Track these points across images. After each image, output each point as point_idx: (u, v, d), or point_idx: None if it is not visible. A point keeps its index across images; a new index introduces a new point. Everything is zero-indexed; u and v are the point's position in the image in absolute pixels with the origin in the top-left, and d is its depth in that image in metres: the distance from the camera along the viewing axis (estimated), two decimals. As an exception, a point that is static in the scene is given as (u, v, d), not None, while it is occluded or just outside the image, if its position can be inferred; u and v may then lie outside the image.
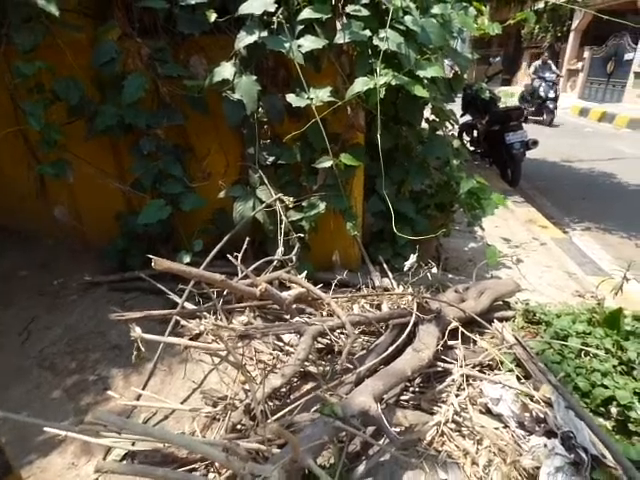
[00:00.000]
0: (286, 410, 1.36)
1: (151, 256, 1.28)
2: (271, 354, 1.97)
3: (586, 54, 13.92)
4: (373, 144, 2.56)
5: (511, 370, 1.75)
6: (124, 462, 1.21)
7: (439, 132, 2.73)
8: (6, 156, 3.01)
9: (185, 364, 1.98)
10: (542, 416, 1.57)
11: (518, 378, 1.73)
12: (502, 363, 1.81)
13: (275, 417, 1.35)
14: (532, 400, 1.58)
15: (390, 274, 2.56)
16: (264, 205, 2.18)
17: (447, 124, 2.78)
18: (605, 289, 2.45)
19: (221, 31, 2.23)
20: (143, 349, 1.41)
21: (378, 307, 2.22)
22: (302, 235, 2.18)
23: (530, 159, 6.25)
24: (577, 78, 14.62)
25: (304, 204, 2.33)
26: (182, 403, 1.71)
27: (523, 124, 5.62)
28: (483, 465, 1.47)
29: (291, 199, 2.16)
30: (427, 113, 2.77)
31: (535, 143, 5.57)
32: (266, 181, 2.23)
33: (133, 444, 1.58)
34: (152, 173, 2.35)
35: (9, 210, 3.24)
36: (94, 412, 0.96)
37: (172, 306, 2.32)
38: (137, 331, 1.34)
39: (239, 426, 1.45)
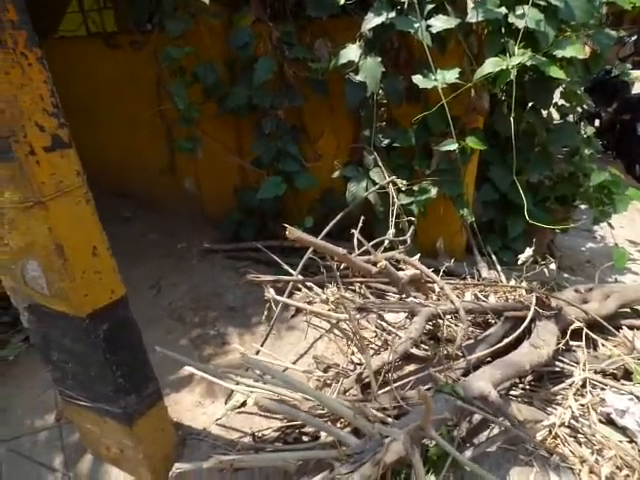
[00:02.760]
0: (397, 384, 1.41)
1: (286, 225, 1.38)
2: (375, 332, 2.02)
3: None
4: (491, 129, 2.45)
5: (646, 380, 1.59)
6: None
7: (569, 118, 2.50)
8: (144, 134, 3.42)
9: (296, 330, 2.12)
10: (679, 436, 1.42)
11: (651, 391, 1.58)
12: (631, 373, 1.65)
13: (386, 389, 1.40)
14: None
15: (499, 267, 2.45)
16: (377, 186, 2.21)
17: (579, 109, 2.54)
18: None
19: (346, 13, 2.27)
20: (275, 308, 1.54)
21: (485, 299, 2.15)
22: (413, 218, 2.18)
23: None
24: None
25: (415, 188, 2.32)
26: (294, 364, 1.84)
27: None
28: (605, 476, 1.38)
29: (404, 182, 2.17)
30: (556, 97, 2.55)
31: (674, 136, 4.82)
32: (380, 163, 2.26)
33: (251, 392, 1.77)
34: (272, 151, 2.51)
35: (145, 184, 3.68)
36: (243, 356, 1.09)
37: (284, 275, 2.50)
38: (271, 292, 1.48)
39: (348, 394, 1.53)
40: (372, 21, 2.04)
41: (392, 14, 2.03)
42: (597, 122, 5.90)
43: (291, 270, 2.17)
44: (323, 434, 1.46)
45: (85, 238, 1.11)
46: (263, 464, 1.20)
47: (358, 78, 2.13)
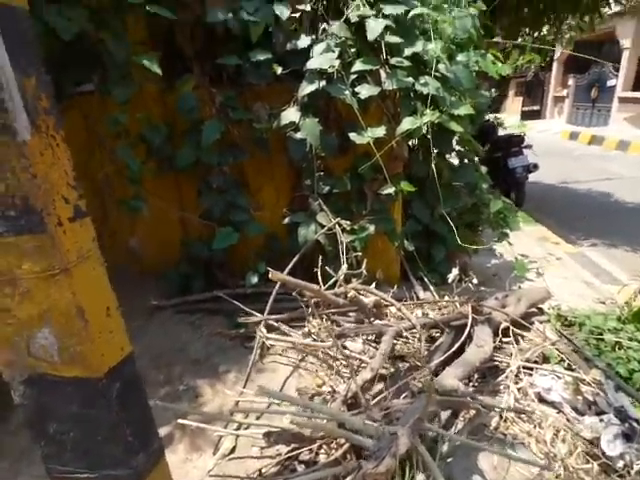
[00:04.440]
0: (383, 395, 1.61)
1: (270, 269, 1.55)
2: (340, 358, 2.21)
3: (570, 82, 14.79)
4: (407, 173, 2.92)
5: (561, 361, 2.01)
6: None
7: (465, 160, 3.09)
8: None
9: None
10: (592, 399, 1.83)
11: (566, 369, 2.00)
12: (550, 357, 2.07)
13: (375, 401, 1.59)
14: (583, 383, 1.84)
15: (431, 287, 2.84)
16: (326, 228, 2.48)
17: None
18: (622, 296, 2.75)
19: (280, 80, 2.60)
20: (268, 345, 1.65)
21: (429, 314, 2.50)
22: (360, 253, 2.47)
23: (529, 182, 6.67)
24: (564, 104, 15.46)
25: (356, 227, 2.64)
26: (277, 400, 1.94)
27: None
28: (549, 441, 1.71)
29: (348, 222, 2.47)
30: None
31: (536, 167, 6.00)
32: (325, 208, 2.55)
33: (237, 437, 1.82)
34: (222, 204, 2.66)
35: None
36: (259, 387, 1.18)
37: (236, 324, 2.58)
38: (263, 331, 1.60)
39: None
40: (307, 88, 2.38)
41: (323, 82, 2.39)
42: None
43: (256, 313, 2.29)
44: (321, 458, 1.59)
45: (101, 299, 1.16)
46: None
47: (299, 135, 2.43)
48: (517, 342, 2.32)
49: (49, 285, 1.06)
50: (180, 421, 1.55)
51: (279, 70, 2.45)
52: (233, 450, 1.81)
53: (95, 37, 2.27)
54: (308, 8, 2.41)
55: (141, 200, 2.56)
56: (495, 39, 4.48)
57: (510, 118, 12.10)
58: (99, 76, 2.42)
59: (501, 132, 6.66)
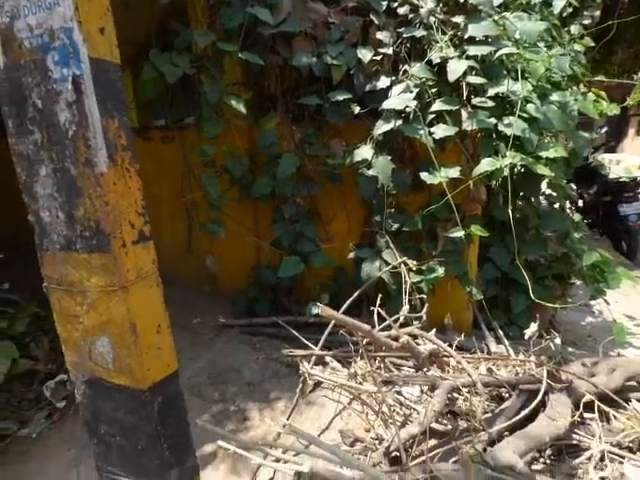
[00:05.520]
0: (427, 456, 1.47)
1: (319, 304, 1.55)
2: (394, 407, 2.09)
3: None
4: (488, 215, 2.73)
5: (659, 453, 1.66)
6: None
7: (556, 205, 2.81)
8: (165, 216, 3.69)
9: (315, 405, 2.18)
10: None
11: (666, 464, 1.64)
12: (645, 446, 1.72)
13: (416, 462, 1.47)
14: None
15: (506, 341, 2.58)
16: (391, 266, 2.42)
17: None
18: None
19: (358, 119, 2.66)
20: (309, 382, 1.64)
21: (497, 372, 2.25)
22: (424, 296, 2.35)
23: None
24: (698, 145, 13.36)
25: (424, 268, 2.53)
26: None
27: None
28: None
29: (415, 262, 2.38)
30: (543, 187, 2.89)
31: (654, 214, 5.21)
32: (392, 245, 2.49)
33: (274, 472, 1.80)
34: (291, 234, 2.75)
35: (163, 261, 3.88)
36: (290, 426, 1.18)
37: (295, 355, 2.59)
38: (306, 366, 1.59)
39: (378, 467, 1.58)
40: (382, 127, 2.40)
41: (399, 122, 2.39)
42: (580, 202, 6.38)
43: (310, 344, 2.29)
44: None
45: (153, 317, 1.27)
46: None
47: (371, 173, 2.44)
48: (607, 421, 1.98)
49: (110, 299, 1.18)
50: (220, 443, 1.59)
51: (357, 109, 2.51)
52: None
53: (196, 80, 2.58)
54: (390, 51, 2.46)
55: (220, 224, 2.76)
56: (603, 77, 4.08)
57: (629, 159, 10.78)
58: (197, 113, 2.73)
59: (613, 175, 5.95)
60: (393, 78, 2.46)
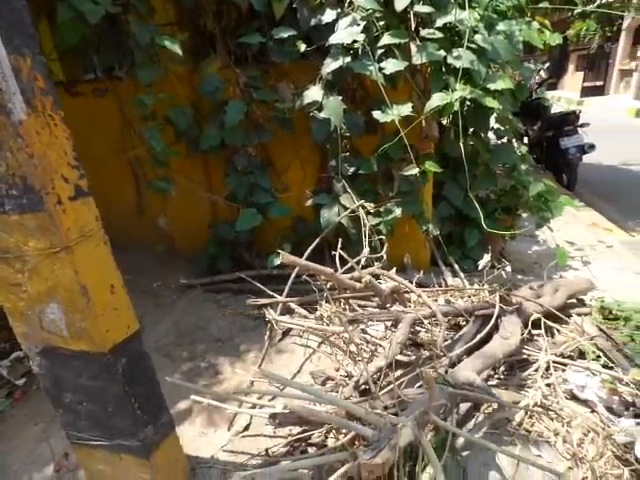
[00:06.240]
0: (392, 385, 1.56)
1: (280, 251, 1.53)
2: (360, 344, 2.17)
3: (640, 53, 13.40)
4: (441, 153, 2.76)
5: (598, 357, 1.85)
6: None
7: (504, 140, 2.87)
8: (109, 178, 3.44)
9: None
10: (630, 400, 1.67)
11: (603, 366, 1.84)
12: (586, 353, 1.91)
13: (385, 390, 1.55)
14: (621, 383, 1.68)
15: (461, 274, 2.71)
16: (349, 211, 2.41)
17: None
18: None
19: (305, 58, 2.52)
20: (277, 329, 1.65)
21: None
22: (383, 237, 2.39)
23: (585, 163, 6.14)
24: (631, 78, 14.05)
25: (381, 210, 2.55)
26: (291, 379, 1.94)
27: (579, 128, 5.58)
28: (576, 442, 1.59)
29: (372, 205, 2.39)
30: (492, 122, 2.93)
31: (592, 147, 5.49)
32: (349, 190, 2.47)
33: (251, 417, 1.85)
34: (245, 186, 2.66)
35: (113, 226, 3.66)
36: (261, 370, 1.19)
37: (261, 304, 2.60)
38: (272, 313, 1.59)
39: (350, 400, 1.66)
40: (331, 65, 2.29)
41: (348, 59, 2.29)
42: (525, 139, 6.61)
43: (276, 295, 2.29)
44: (330, 442, 1.58)
45: (104, 277, 1.19)
46: (283, 475, 1.29)
47: (322, 115, 2.36)
48: (552, 335, 2.17)
49: (53, 262, 1.09)
50: (194, 397, 1.59)
51: (303, 47, 2.37)
52: (247, 428, 1.84)
53: (123, 20, 2.31)
54: (333, -20, 2.30)
55: (168, 181, 2.61)
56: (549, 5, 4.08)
57: (569, 94, 11.19)
58: (128, 60, 2.47)
59: (555, 109, 6.16)
60: (339, 11, 2.33)
